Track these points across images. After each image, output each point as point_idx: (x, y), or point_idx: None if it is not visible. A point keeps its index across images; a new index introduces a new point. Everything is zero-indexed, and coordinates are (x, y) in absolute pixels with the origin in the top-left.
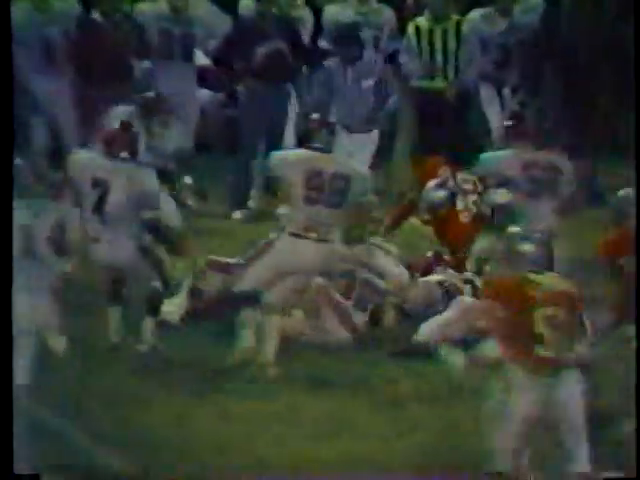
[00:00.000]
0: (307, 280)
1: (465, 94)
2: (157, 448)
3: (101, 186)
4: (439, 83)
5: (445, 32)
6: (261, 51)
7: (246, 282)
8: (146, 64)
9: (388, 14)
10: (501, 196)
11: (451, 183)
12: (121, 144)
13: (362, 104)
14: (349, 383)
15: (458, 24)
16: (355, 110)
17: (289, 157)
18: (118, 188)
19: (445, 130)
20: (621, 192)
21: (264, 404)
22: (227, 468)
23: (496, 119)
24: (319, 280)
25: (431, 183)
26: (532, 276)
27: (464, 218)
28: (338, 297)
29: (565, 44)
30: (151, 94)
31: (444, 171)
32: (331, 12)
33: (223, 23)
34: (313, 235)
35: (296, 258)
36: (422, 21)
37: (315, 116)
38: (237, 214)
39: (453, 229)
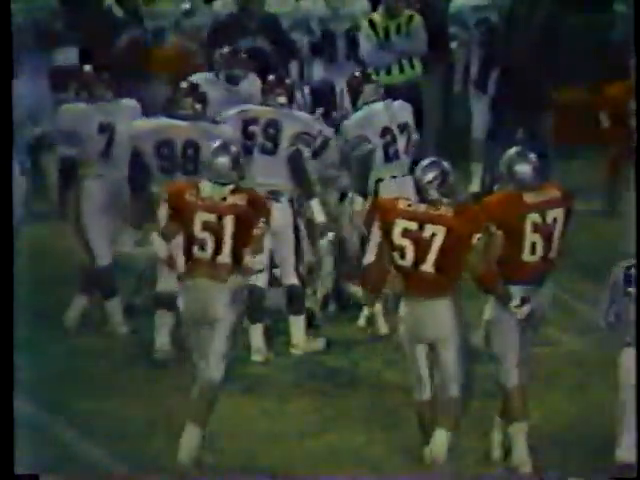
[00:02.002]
0: None
1: (417, 86)
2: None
3: (107, 130)
4: (395, 77)
5: (399, 27)
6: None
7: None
8: None
9: (361, 4)
10: None
11: None
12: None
13: None
14: None
15: (410, 18)
16: None
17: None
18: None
19: None
20: None
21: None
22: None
23: None
24: None
25: None
26: (202, 183)
27: None
28: None
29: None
30: None
31: None
32: (304, 7)
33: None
34: None
35: None
36: (376, 16)
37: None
38: None
39: None
